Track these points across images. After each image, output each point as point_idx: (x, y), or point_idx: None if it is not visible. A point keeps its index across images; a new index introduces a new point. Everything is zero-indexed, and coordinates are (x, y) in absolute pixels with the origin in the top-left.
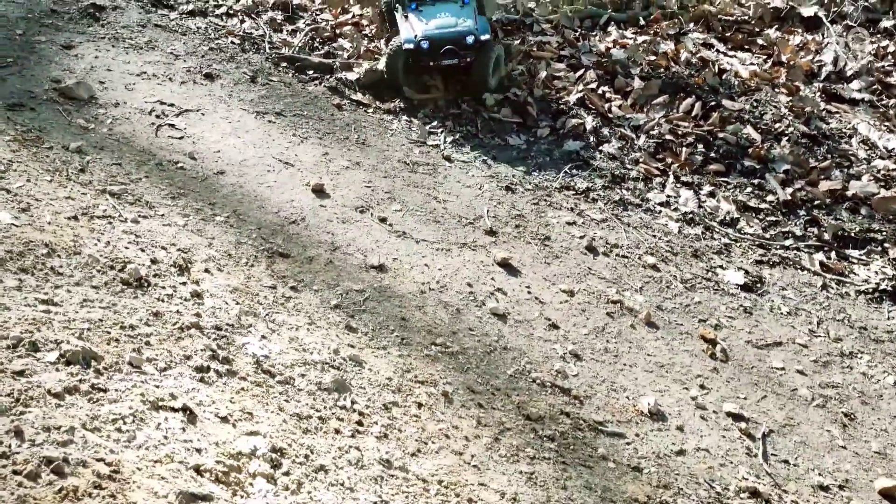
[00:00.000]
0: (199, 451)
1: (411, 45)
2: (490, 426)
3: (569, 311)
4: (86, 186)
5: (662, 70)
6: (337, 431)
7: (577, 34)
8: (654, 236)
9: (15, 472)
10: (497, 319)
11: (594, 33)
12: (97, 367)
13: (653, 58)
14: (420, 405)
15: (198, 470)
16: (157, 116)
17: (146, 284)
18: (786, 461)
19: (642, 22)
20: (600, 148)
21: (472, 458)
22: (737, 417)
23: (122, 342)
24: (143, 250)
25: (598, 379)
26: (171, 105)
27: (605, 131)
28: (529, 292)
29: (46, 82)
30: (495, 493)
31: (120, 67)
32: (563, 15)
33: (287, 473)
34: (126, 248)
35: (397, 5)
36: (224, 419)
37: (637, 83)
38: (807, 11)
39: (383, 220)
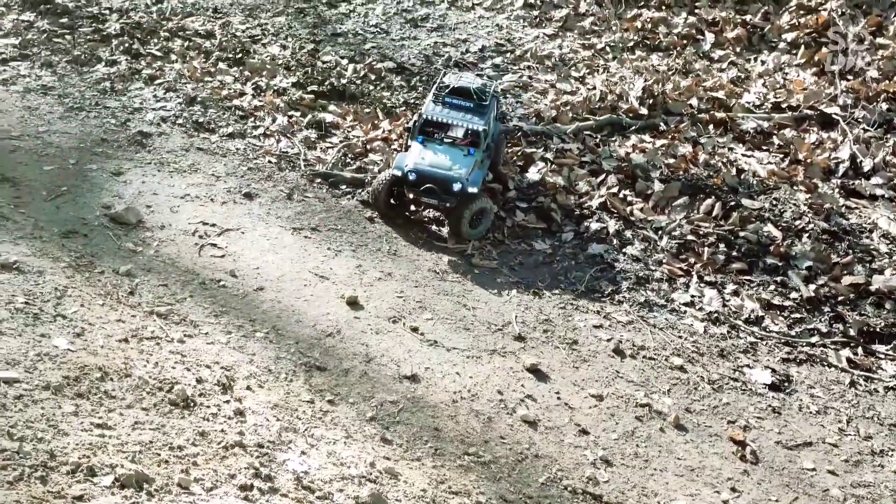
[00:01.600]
0: None
1: (398, 173)
2: None
3: (598, 416)
4: (135, 308)
5: (682, 172)
6: None
7: (597, 141)
8: (680, 337)
9: None
10: (528, 427)
11: (613, 139)
12: (149, 489)
13: (672, 161)
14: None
15: None
16: (200, 237)
17: (192, 404)
18: None
19: (662, 127)
20: (624, 250)
21: None
22: None
23: (171, 463)
24: (188, 370)
25: (629, 484)
26: (213, 225)
27: (628, 234)
28: (559, 398)
29: (98, 208)
30: None
31: (165, 191)
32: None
33: None
34: (173, 367)
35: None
36: None
37: (657, 186)
38: (828, 110)
39: (415, 329)
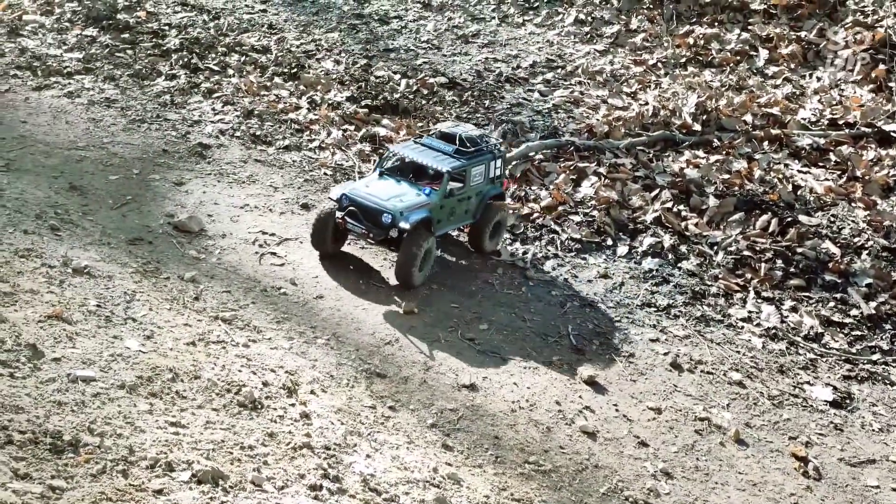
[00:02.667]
0: None
1: (333, 197)
2: None
3: (657, 429)
4: (200, 313)
5: (737, 188)
6: None
7: (650, 156)
8: (738, 352)
9: None
10: (587, 437)
11: (667, 154)
12: (224, 485)
13: (726, 176)
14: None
15: None
16: (260, 245)
17: (260, 406)
18: None
19: (716, 143)
20: (679, 265)
21: None
22: None
23: (244, 462)
24: (254, 373)
25: (690, 497)
26: (272, 234)
27: (683, 249)
28: (617, 410)
29: (161, 217)
30: None
31: (225, 201)
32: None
33: None
34: (240, 371)
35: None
36: None
37: (712, 201)
38: (886, 127)
39: (471, 339)
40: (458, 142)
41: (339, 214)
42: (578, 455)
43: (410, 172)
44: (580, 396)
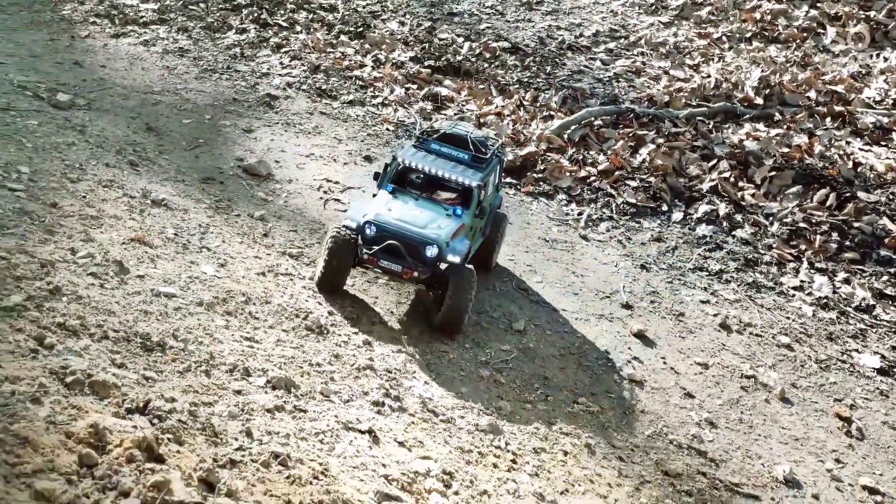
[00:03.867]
0: (384, 465)
1: (352, 226)
2: (630, 477)
3: (703, 383)
4: (269, 248)
5: (796, 161)
6: (494, 466)
7: (710, 127)
8: (788, 318)
9: (252, 461)
10: (634, 385)
11: (727, 126)
12: (296, 393)
13: (786, 150)
14: (566, 453)
15: (387, 478)
16: (325, 192)
17: (325, 332)
18: None
19: (778, 117)
20: (733, 233)
21: (616, 502)
22: (873, 491)
23: (313, 376)
24: (320, 304)
25: (733, 446)
26: (336, 182)
27: (738, 217)
28: (665, 362)
29: (231, 160)
30: None
31: (292, 149)
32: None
33: (457, 493)
34: (307, 300)
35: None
36: (401, 444)
37: (770, 173)
38: None
39: (525, 290)
40: (472, 147)
41: (365, 251)
42: (625, 401)
43: (420, 186)
44: (629, 348)
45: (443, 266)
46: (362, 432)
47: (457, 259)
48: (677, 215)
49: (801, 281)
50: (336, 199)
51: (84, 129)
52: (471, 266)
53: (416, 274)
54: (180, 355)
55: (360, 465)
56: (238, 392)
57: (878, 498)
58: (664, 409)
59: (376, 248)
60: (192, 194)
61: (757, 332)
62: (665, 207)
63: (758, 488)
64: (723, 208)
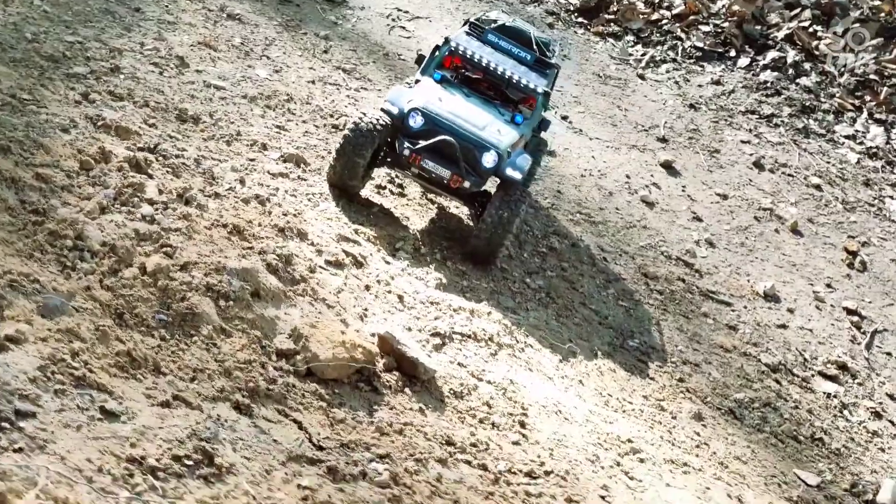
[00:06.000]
0: (361, 224)
1: (394, 110)
2: (608, 273)
3: (717, 210)
4: (326, 63)
5: (884, 14)
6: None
7: None
8: (828, 162)
9: (235, 197)
10: (645, 206)
11: None
12: (304, 168)
13: (877, 2)
14: (552, 248)
15: (356, 231)
16: (393, 20)
17: None
18: (889, 353)
19: None
20: (797, 80)
21: (582, 287)
22: (852, 313)
23: (326, 160)
24: (357, 109)
25: (724, 263)
26: (406, 12)
27: (807, 66)
28: (683, 190)
29: None
30: (593, 313)
31: None
32: None
33: (423, 255)
34: (346, 107)
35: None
36: (386, 214)
37: (853, 25)
38: None
39: (565, 118)
40: (535, 47)
41: (406, 146)
42: (631, 217)
43: (467, 78)
44: (651, 175)
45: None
46: (351, 201)
47: (517, 175)
48: (744, 61)
49: (856, 130)
50: (402, 27)
51: None
52: (526, 190)
53: (466, 184)
54: (209, 128)
55: (336, 218)
56: (251, 160)
57: (856, 319)
58: (667, 228)
59: (423, 143)
60: (266, 12)
61: (789, 173)
62: (733, 53)
63: (734, 297)
64: (792, 55)
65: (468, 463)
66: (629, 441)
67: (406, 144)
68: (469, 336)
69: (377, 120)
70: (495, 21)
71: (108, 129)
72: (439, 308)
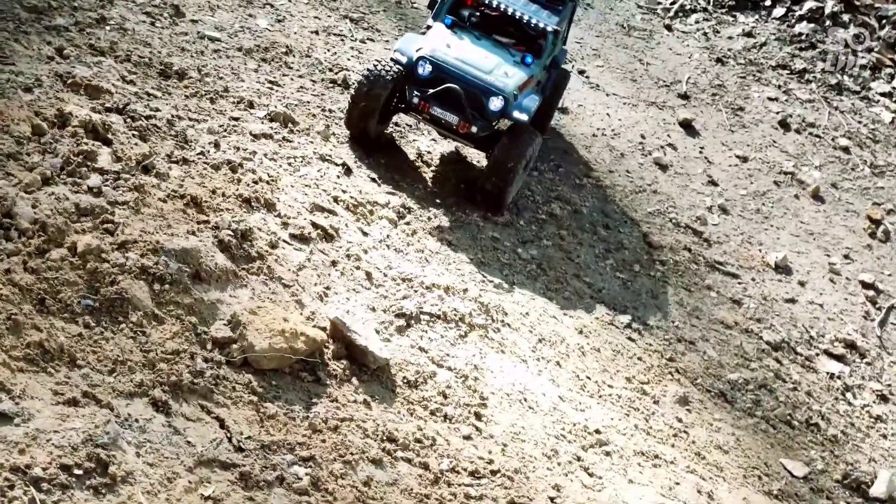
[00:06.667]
0: (343, 190)
1: (402, 59)
2: (609, 242)
3: (735, 173)
4: (333, 12)
5: None
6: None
7: None
8: (860, 122)
9: (205, 164)
10: (657, 168)
11: None
12: (292, 128)
13: None
14: (552, 215)
15: (335, 199)
16: None
17: (349, 86)
18: None
19: None
20: (835, 33)
21: (578, 258)
22: (869, 286)
23: (318, 118)
24: (360, 63)
25: (736, 231)
26: None
27: (846, 17)
28: (701, 151)
29: None
30: (586, 286)
31: None
32: None
33: (408, 224)
34: (348, 60)
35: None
36: (373, 179)
37: None
38: None
39: (582, 72)
40: None
41: (415, 94)
42: (642, 181)
43: (477, 24)
44: (668, 135)
45: (504, 124)
46: (336, 164)
47: (524, 117)
48: (779, 11)
49: (893, 88)
50: None
51: None
52: (535, 130)
53: (473, 129)
54: (195, 84)
55: (314, 185)
56: (234, 119)
57: (871, 293)
58: (679, 192)
59: (430, 91)
60: None
61: (817, 133)
62: (768, 2)
63: (742, 269)
64: (831, 6)
65: (408, 461)
66: (597, 432)
67: (415, 92)
68: (438, 316)
69: (389, 67)
70: None
71: (76, 87)
72: (411, 286)
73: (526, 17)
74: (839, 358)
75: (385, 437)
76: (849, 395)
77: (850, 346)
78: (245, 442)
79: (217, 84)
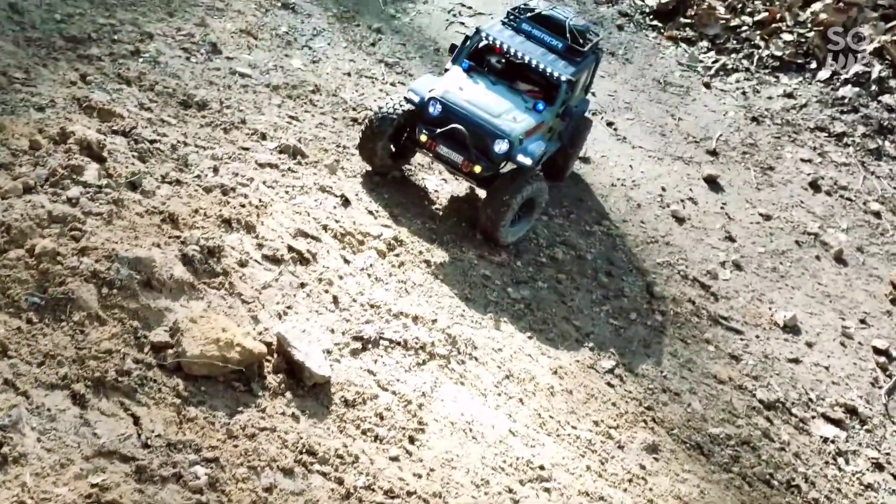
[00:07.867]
0: (336, 220)
1: (415, 98)
2: (608, 289)
3: (754, 231)
4: (369, 56)
5: None
6: (461, 250)
7: None
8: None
9: (198, 186)
10: (674, 221)
11: None
12: (300, 160)
13: None
14: (553, 259)
15: (325, 227)
16: (454, 15)
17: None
18: None
19: None
20: (879, 98)
21: (572, 301)
22: (881, 353)
23: (330, 152)
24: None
25: (748, 288)
26: (469, 7)
27: (893, 83)
28: (723, 207)
29: None
30: (574, 329)
31: None
32: None
33: (397, 255)
34: (374, 101)
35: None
36: (371, 212)
37: None
38: None
39: (610, 124)
40: (568, 35)
41: (423, 132)
42: (655, 231)
43: (500, 71)
44: (690, 189)
45: (509, 167)
46: (336, 196)
47: (528, 161)
48: (824, 73)
49: None
50: (461, 23)
51: None
52: (540, 173)
53: (476, 169)
54: (213, 114)
55: (306, 213)
56: (243, 148)
57: (882, 359)
58: (692, 246)
59: (438, 130)
60: (323, 2)
61: (848, 196)
62: (813, 65)
63: (747, 325)
64: (878, 70)
65: (324, 475)
66: (541, 468)
67: (424, 130)
68: (398, 343)
69: (398, 105)
70: (531, 8)
71: (90, 110)
72: (378, 312)
73: (542, 66)
74: (837, 422)
75: (304, 450)
76: (840, 459)
77: (851, 411)
78: (154, 440)
79: (235, 116)
